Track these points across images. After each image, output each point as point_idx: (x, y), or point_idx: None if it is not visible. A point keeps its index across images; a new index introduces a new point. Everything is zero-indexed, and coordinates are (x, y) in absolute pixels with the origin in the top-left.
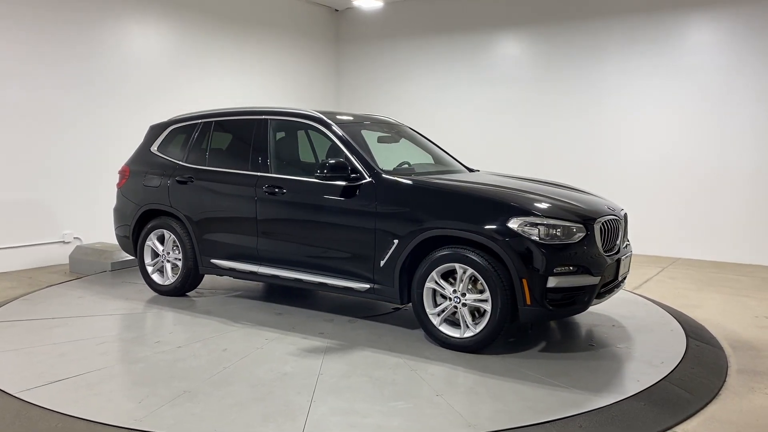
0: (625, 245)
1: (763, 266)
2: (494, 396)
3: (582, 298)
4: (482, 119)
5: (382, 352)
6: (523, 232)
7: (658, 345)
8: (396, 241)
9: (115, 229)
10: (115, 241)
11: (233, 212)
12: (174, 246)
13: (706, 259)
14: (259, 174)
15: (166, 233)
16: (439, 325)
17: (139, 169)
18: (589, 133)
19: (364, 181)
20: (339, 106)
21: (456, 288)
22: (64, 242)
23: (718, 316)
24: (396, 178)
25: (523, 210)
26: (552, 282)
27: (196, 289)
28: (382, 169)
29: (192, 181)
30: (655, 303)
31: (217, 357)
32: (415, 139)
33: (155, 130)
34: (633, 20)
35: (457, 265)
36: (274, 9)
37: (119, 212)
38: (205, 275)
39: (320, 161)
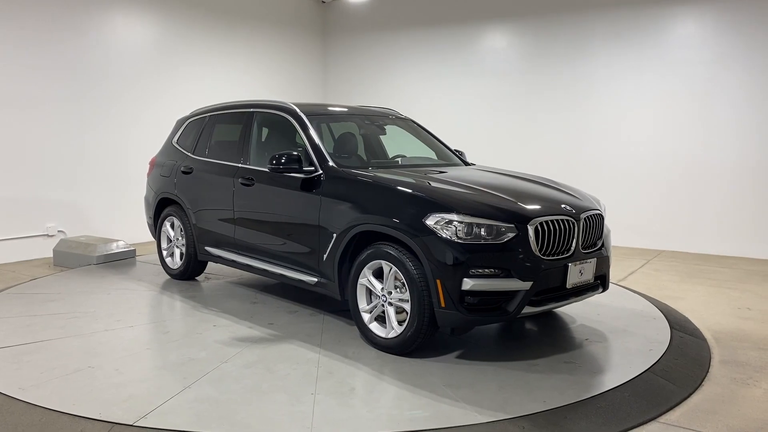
0: (596, 248)
1: (745, 258)
2: (374, 400)
3: (506, 305)
4: (469, 112)
5: (308, 346)
6: (439, 229)
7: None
8: (334, 236)
9: (145, 217)
10: (100, 234)
11: (219, 202)
12: (180, 233)
13: (690, 252)
14: (238, 165)
15: (175, 220)
16: (369, 323)
17: (161, 159)
18: (574, 126)
19: (315, 174)
20: (326, 99)
21: (384, 286)
22: (48, 235)
23: (702, 308)
24: (341, 172)
25: (442, 206)
26: (467, 284)
27: (205, 274)
28: (336, 163)
29: (191, 172)
30: (640, 295)
31: (151, 339)
32: (417, 132)
33: (178, 123)
34: (619, 14)
35: (383, 263)
36: (261, 0)
37: (146, 200)
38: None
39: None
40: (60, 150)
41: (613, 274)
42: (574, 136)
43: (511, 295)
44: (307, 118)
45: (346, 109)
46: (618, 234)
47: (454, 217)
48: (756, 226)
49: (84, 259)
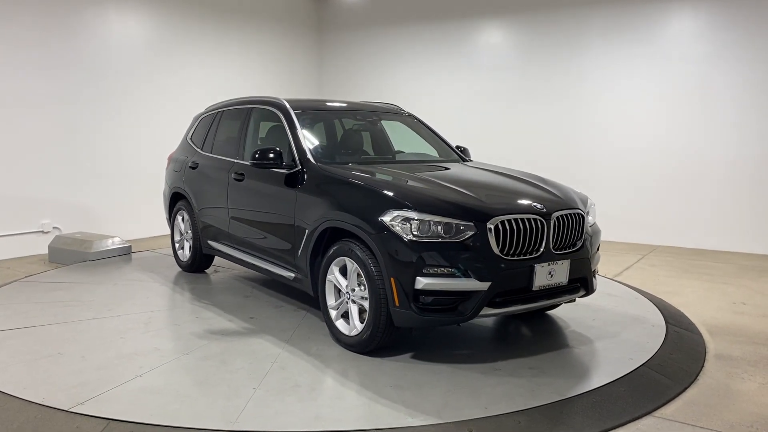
0: (574, 248)
1: (740, 253)
2: (312, 398)
3: (463, 306)
4: (465, 108)
5: (275, 341)
6: (395, 226)
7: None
8: (306, 231)
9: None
10: (95, 231)
11: (217, 196)
12: (189, 226)
13: (686, 247)
14: (234, 161)
15: (185, 215)
16: (336, 320)
17: (176, 155)
18: (570, 121)
19: (296, 170)
20: (321, 94)
21: (347, 283)
22: (42, 232)
23: (697, 303)
24: (318, 168)
25: (399, 203)
26: (420, 283)
27: (215, 267)
28: (315, 159)
29: (197, 167)
30: (635, 290)
31: (130, 328)
32: (418, 128)
33: (193, 120)
34: (614, 9)
35: (346, 259)
36: None
37: (163, 195)
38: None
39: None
40: (55, 147)
41: (608, 270)
42: (569, 131)
43: (467, 295)
44: (295, 114)
45: (345, 105)
46: (613, 229)
47: (410, 214)
48: (751, 221)
49: (79, 256)
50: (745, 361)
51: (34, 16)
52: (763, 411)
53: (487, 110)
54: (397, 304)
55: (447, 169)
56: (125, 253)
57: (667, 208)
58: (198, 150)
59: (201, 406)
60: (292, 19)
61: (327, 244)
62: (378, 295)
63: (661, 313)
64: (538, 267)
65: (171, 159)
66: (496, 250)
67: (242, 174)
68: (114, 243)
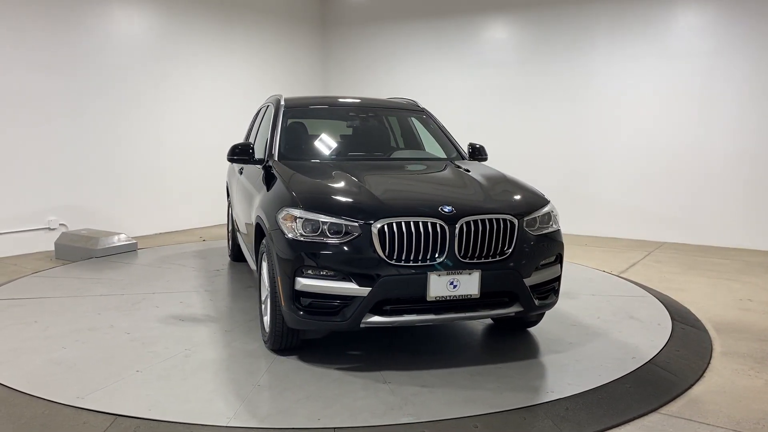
0: (494, 259)
1: (747, 250)
2: (172, 386)
3: (343, 310)
4: (469, 104)
5: (218, 332)
6: (284, 224)
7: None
8: (253, 226)
9: None
10: (101, 228)
11: (233, 191)
12: (228, 217)
13: (692, 243)
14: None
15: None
16: (264, 315)
17: None
18: (575, 117)
19: (265, 165)
20: (326, 91)
21: (267, 280)
22: (49, 229)
23: (703, 299)
24: (275, 164)
25: (292, 201)
26: (299, 284)
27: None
28: (280, 155)
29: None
30: (641, 286)
31: (111, 307)
32: (426, 124)
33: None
34: (620, 5)
35: (265, 256)
36: None
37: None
38: None
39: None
40: (61, 144)
41: (614, 266)
42: (574, 128)
43: (349, 300)
44: (283, 111)
45: (346, 102)
46: (619, 226)
47: (296, 212)
48: (757, 218)
49: (86, 252)
50: (752, 358)
51: (40, 17)
52: None
53: (492, 106)
54: (283, 304)
55: (419, 169)
56: (131, 249)
57: (674, 205)
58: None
59: (81, 380)
60: (297, 16)
61: (259, 240)
62: (275, 294)
63: (667, 309)
64: (433, 276)
65: None
66: (381, 255)
67: (241, 169)
68: (120, 240)
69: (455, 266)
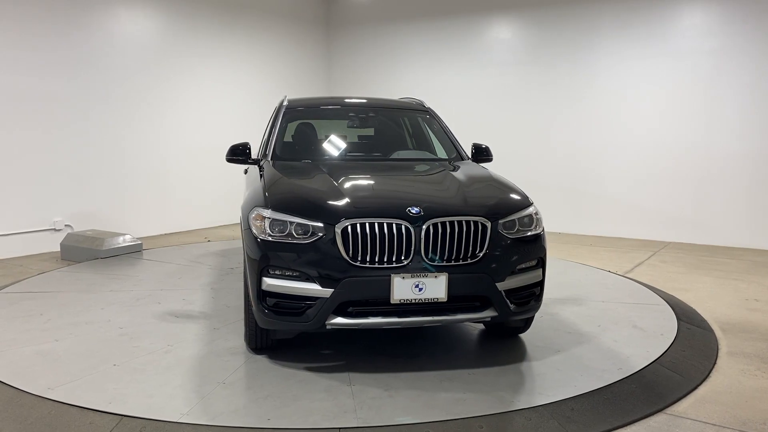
0: (464, 262)
1: (753, 249)
2: (141, 381)
3: (307, 311)
4: (474, 103)
5: (206, 329)
6: (253, 224)
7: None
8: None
9: None
10: (106, 228)
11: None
12: None
13: (697, 243)
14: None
15: None
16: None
17: None
18: (580, 117)
19: (259, 165)
20: (330, 91)
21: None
22: (55, 229)
23: (709, 299)
24: (266, 163)
25: (262, 201)
26: (264, 283)
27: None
28: (273, 155)
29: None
30: (647, 287)
31: (110, 300)
32: (431, 124)
33: None
34: (624, 4)
35: None
36: None
37: None
38: None
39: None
40: (66, 145)
41: (620, 266)
42: (579, 127)
43: (312, 301)
44: (284, 111)
45: (350, 102)
46: (625, 225)
47: (266, 212)
48: (764, 217)
49: (91, 253)
50: (758, 358)
51: (45, 18)
52: None
53: (495, 106)
54: (252, 303)
55: (406, 170)
56: (136, 250)
57: (679, 205)
58: None
59: (64, 373)
60: (301, 16)
61: None
62: (247, 294)
63: (673, 309)
64: (396, 278)
65: None
66: (344, 256)
67: (246, 170)
68: (125, 240)
69: (420, 269)
